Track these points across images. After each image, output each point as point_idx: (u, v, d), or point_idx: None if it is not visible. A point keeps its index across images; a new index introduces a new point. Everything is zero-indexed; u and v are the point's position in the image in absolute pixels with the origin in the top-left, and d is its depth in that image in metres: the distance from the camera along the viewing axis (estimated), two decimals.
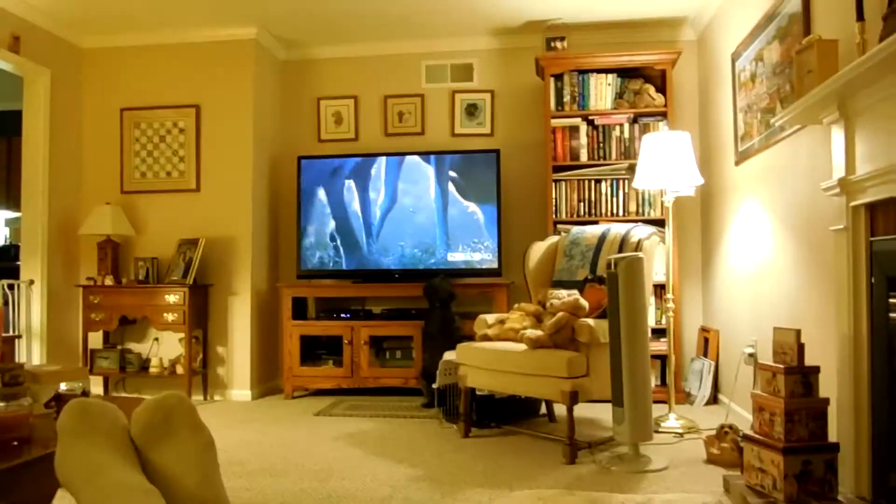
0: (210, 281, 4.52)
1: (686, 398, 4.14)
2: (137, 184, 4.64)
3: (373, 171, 4.58)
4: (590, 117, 4.32)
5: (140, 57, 4.65)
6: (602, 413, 3.78)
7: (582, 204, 4.28)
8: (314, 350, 4.59)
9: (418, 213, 4.52)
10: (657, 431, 3.31)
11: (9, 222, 6.77)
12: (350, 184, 4.60)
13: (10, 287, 4.24)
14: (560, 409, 3.59)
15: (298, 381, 4.44)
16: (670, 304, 3.58)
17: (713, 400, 4.04)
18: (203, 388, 4.46)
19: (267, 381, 4.71)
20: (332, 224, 4.60)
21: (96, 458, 1.36)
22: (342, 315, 4.48)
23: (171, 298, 4.26)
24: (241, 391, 4.47)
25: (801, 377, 2.20)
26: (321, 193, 4.62)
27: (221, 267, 4.52)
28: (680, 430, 3.35)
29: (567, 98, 4.33)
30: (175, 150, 4.61)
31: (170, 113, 4.61)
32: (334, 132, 4.95)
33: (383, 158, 4.58)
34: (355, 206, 4.59)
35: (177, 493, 1.36)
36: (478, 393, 3.51)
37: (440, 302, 4.09)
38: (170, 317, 4.25)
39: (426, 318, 4.16)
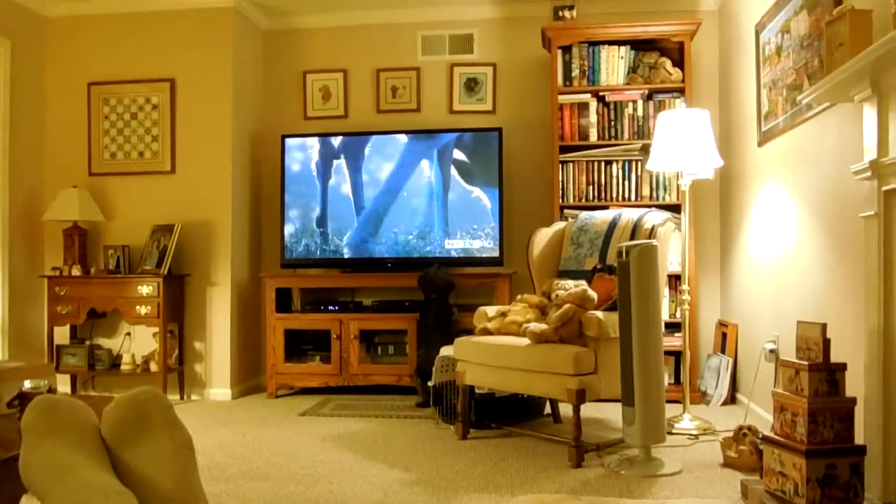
0: (186, 271, 4.52)
1: (702, 397, 4.16)
2: (107, 165, 4.63)
3: (364, 152, 4.58)
4: (600, 93, 4.32)
5: (109, 26, 4.63)
6: (611, 413, 3.80)
7: (591, 187, 4.29)
8: (300, 345, 4.60)
9: (413, 197, 4.52)
10: (670, 433, 3.34)
11: None
12: (339, 165, 4.60)
13: None
14: (566, 409, 3.60)
15: (283, 378, 4.45)
16: (686, 297, 3.59)
17: (731, 399, 4.06)
18: (179, 387, 4.47)
19: (248, 378, 4.73)
20: (319, 209, 4.60)
21: (64, 457, 1.36)
22: (330, 307, 4.49)
23: (145, 290, 4.27)
24: (220, 390, 4.48)
25: (827, 374, 2.21)
26: (307, 176, 4.62)
27: (199, 255, 4.52)
28: (695, 432, 3.37)
29: (576, 72, 4.33)
30: (148, 128, 4.60)
31: (142, 88, 4.59)
32: (322, 109, 4.94)
33: (375, 137, 4.58)
34: (345, 189, 4.58)
35: (152, 496, 1.37)
36: (477, 391, 3.53)
37: (437, 293, 4.10)
38: (143, 310, 4.26)
39: (421, 311, 4.17)
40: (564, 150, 4.31)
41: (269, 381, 4.46)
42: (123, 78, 4.60)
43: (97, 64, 4.64)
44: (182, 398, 4.48)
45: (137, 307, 4.26)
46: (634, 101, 4.29)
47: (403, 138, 4.55)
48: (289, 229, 4.61)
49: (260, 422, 3.80)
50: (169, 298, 4.32)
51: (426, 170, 4.52)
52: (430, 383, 3.69)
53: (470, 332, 3.64)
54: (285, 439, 3.40)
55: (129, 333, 4.59)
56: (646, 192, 4.25)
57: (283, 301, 4.58)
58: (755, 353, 3.63)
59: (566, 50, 4.33)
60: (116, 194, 4.61)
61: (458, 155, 4.50)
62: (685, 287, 3.60)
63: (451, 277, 4.15)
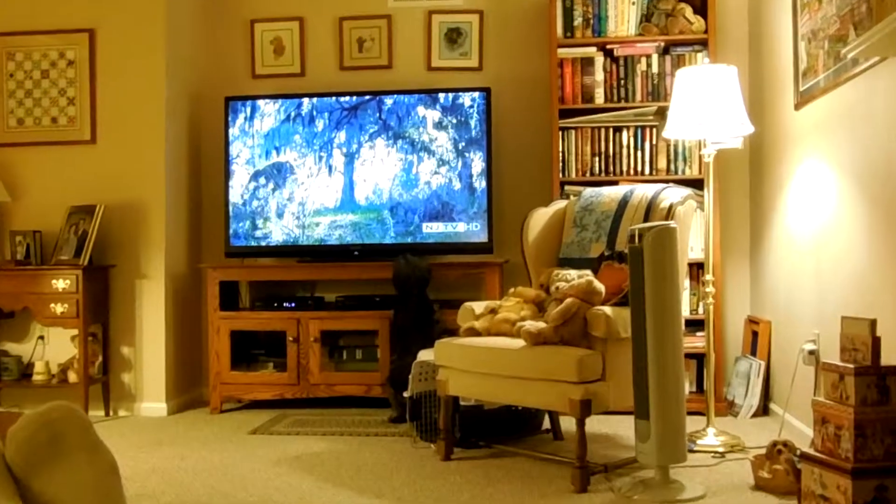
0: (111, 261, 4.48)
1: (729, 408, 4.18)
2: (12, 134, 4.57)
3: (324, 116, 4.55)
4: (608, 46, 4.31)
5: None
6: (621, 427, 3.81)
7: (597, 159, 4.28)
8: (249, 350, 4.58)
9: (384, 171, 4.50)
10: (692, 451, 3.34)
11: None
12: (294, 132, 4.57)
13: None
14: (568, 423, 3.60)
15: (229, 390, 4.44)
16: (710, 289, 3.60)
17: (763, 410, 4.08)
18: (104, 401, 4.44)
19: (187, 390, 4.70)
20: (271, 186, 4.57)
21: None
22: (285, 304, 4.47)
23: (61, 284, 4.22)
24: (153, 404, 4.46)
25: (877, 379, 2.23)
26: (257, 146, 4.59)
27: (126, 242, 4.48)
28: (721, 449, 3.39)
29: (578, 21, 4.31)
30: (62, 89, 4.54)
31: (54, 40, 4.53)
32: (273, 65, 4.90)
33: (338, 99, 4.55)
34: (302, 161, 4.56)
35: None
36: (462, 403, 3.52)
37: (417, 287, 4.10)
38: (58, 308, 4.22)
39: (395, 308, 4.16)
40: (565, 114, 4.30)
41: (212, 394, 4.45)
42: (32, 28, 4.53)
43: None
44: (107, 414, 4.45)
45: (52, 305, 4.22)
46: (648, 56, 4.28)
47: (372, 101, 4.53)
48: (235, 211, 4.58)
49: (202, 442, 3.77)
50: (90, 294, 4.27)
51: (400, 139, 4.50)
52: (406, 394, 3.69)
53: (453, 332, 3.63)
54: (232, 463, 3.38)
55: (42, 337, 4.54)
56: (662, 164, 4.25)
57: (229, 297, 4.55)
58: (792, 356, 3.65)
59: None
60: (24, 169, 4.55)
61: (438, 120, 4.48)
62: (709, 277, 3.61)
63: (428, 267, 4.14)
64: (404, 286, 4.12)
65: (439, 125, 4.49)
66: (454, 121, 4.48)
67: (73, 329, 4.30)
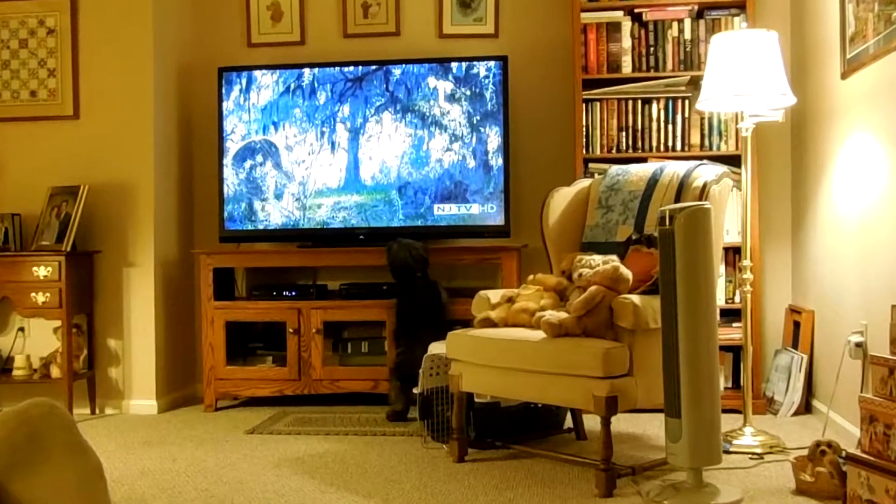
0: (96, 246, 4.50)
1: (768, 405, 4.18)
2: None
3: (326, 89, 4.55)
4: (636, 10, 4.30)
5: None
6: (650, 427, 3.82)
7: (624, 134, 4.27)
8: (246, 343, 4.60)
9: (392, 149, 4.50)
10: (727, 451, 3.35)
11: None
12: (294, 106, 4.57)
13: None
14: (592, 422, 3.61)
15: (224, 386, 4.46)
16: (747, 275, 3.59)
17: (805, 408, 4.08)
18: (89, 398, 4.47)
19: (179, 386, 4.73)
20: (269, 164, 4.58)
21: None
22: (285, 293, 4.49)
23: (42, 272, 4.25)
24: (143, 401, 4.49)
25: None
26: (253, 120, 4.59)
27: (112, 226, 4.50)
28: (759, 450, 3.39)
29: None
30: (42, 59, 4.56)
31: (33, 6, 4.54)
32: (271, 33, 4.89)
33: (341, 70, 4.55)
34: (302, 138, 4.56)
35: None
36: (477, 400, 3.54)
37: (417, 269, 4.11)
38: (40, 298, 4.24)
39: (399, 296, 4.17)
40: (589, 85, 4.29)
41: (206, 390, 4.48)
42: None
43: None
44: (93, 412, 4.48)
45: (33, 295, 4.24)
46: (680, 21, 4.26)
47: (378, 71, 4.52)
48: (230, 192, 4.59)
49: (195, 442, 3.79)
50: (74, 283, 4.29)
51: (409, 113, 4.50)
52: (415, 390, 3.70)
53: (467, 323, 3.63)
54: (228, 465, 3.39)
55: (22, 329, 4.57)
56: (695, 139, 4.23)
57: (224, 285, 4.57)
58: (837, 348, 3.64)
59: None
60: (2, 147, 4.57)
61: (451, 93, 4.47)
62: (746, 263, 3.60)
63: (425, 250, 4.15)
64: (403, 271, 4.13)
65: (452, 97, 4.48)
66: (468, 92, 4.47)
67: (56, 320, 4.32)
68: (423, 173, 4.49)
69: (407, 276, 4.15)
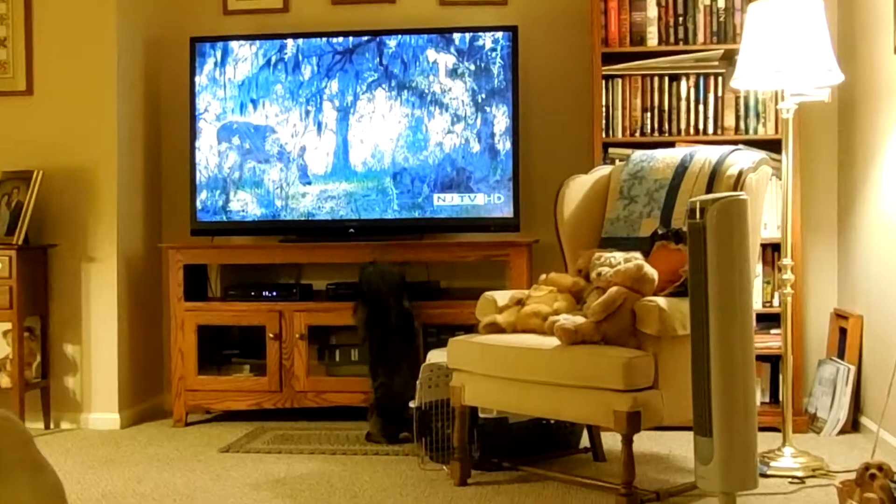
0: (52, 240, 4.50)
1: (810, 423, 4.18)
2: None
3: (312, 63, 4.54)
4: None
5: None
6: (677, 446, 3.81)
7: (649, 115, 4.27)
8: (220, 349, 4.60)
9: (386, 129, 4.50)
10: (764, 475, 3.35)
11: None
12: (276, 82, 4.57)
13: None
14: (612, 441, 3.62)
15: (196, 398, 4.46)
16: (787, 275, 3.59)
17: (852, 426, 4.08)
18: (43, 410, 4.47)
19: (145, 398, 4.73)
20: (247, 147, 4.58)
21: None
22: (265, 293, 4.48)
23: None
24: (103, 414, 4.49)
25: None
26: (230, 98, 4.59)
27: (70, 217, 4.50)
28: (800, 473, 3.39)
29: None
30: None
31: None
32: None
33: (329, 41, 4.54)
34: (284, 118, 4.56)
35: None
36: (481, 415, 3.53)
37: (392, 296, 4.10)
38: None
39: (370, 322, 4.11)
40: (610, 59, 4.28)
41: (175, 402, 4.47)
42: None
43: None
44: (47, 427, 4.48)
45: None
46: None
47: (371, 43, 4.52)
48: (203, 178, 4.59)
49: (163, 461, 3.79)
50: (26, 281, 4.30)
51: (405, 90, 4.49)
52: (412, 404, 3.70)
53: (471, 328, 3.63)
54: (200, 487, 3.39)
55: None
56: (729, 121, 4.23)
57: (196, 284, 4.57)
58: (888, 359, 3.64)
59: None
60: None
61: (453, 67, 4.47)
62: (786, 261, 3.60)
63: (402, 273, 4.17)
64: (377, 297, 4.10)
65: (454, 73, 4.48)
66: (472, 67, 4.47)
67: (6, 323, 4.32)
68: (420, 158, 4.49)
69: (379, 303, 4.11)
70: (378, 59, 4.53)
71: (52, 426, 4.49)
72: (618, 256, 3.20)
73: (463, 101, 4.48)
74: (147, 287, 4.77)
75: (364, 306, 4.14)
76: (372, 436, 4.06)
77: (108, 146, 4.50)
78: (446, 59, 4.49)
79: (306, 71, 4.56)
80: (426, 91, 4.50)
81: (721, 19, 4.25)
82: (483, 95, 4.46)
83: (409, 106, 4.51)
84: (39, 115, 4.53)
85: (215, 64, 4.61)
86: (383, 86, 4.52)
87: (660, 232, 3.35)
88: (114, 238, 4.49)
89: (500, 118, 4.44)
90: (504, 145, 4.43)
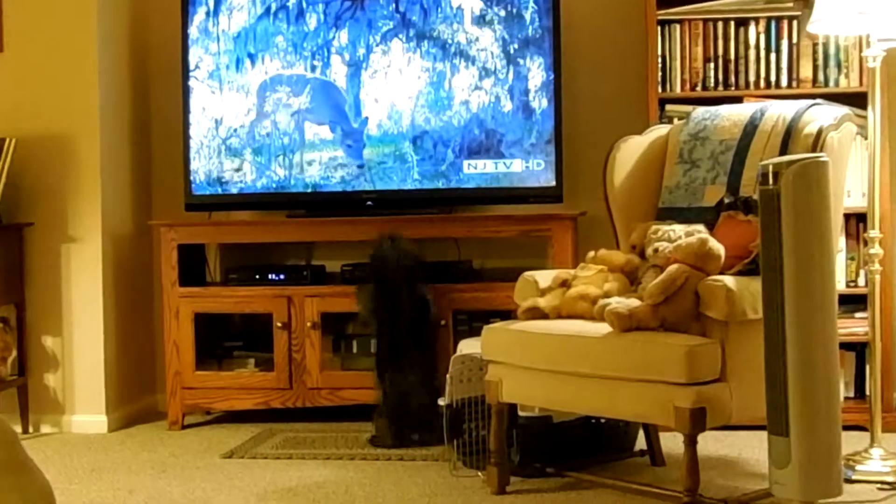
0: (27, 218, 4.52)
1: None
2: None
3: (319, 10, 4.54)
4: None
5: None
6: (748, 448, 3.82)
7: (711, 66, 4.27)
8: (221, 341, 4.63)
9: (404, 86, 4.51)
10: (849, 480, 3.33)
11: None
12: (277, 33, 4.57)
13: None
14: (672, 442, 3.64)
15: (193, 396, 4.48)
16: (875, 250, 3.57)
17: None
18: (21, 412, 4.48)
19: (136, 397, 4.77)
20: (248, 112, 4.60)
21: None
22: (271, 277, 4.49)
23: None
24: (89, 416, 4.52)
25: None
26: (224, 52, 4.60)
27: (47, 191, 4.52)
28: (890, 478, 3.39)
29: None
30: None
31: None
32: None
33: None
34: (291, 74, 4.57)
35: None
36: (521, 414, 3.55)
37: (404, 278, 4.10)
38: None
39: (378, 316, 4.13)
40: (666, 1, 4.26)
41: (170, 402, 4.50)
42: None
43: None
44: (26, 430, 4.49)
45: None
46: None
47: None
48: (197, 145, 4.60)
49: (157, 469, 3.82)
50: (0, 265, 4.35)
51: (426, 41, 4.50)
52: (441, 401, 3.71)
53: (508, 314, 3.65)
54: (200, 498, 3.41)
55: None
56: (806, 72, 4.22)
57: (192, 267, 4.59)
58: None
59: None
60: None
61: (481, 14, 4.47)
62: (874, 234, 3.58)
63: (417, 255, 4.16)
64: (387, 280, 4.10)
65: (482, 20, 4.47)
66: (503, 13, 4.46)
67: None
68: (444, 119, 4.48)
69: (388, 283, 4.11)
70: (394, 4, 4.51)
71: (30, 430, 4.51)
72: (678, 230, 3.20)
73: (492, 52, 4.46)
74: (136, 270, 4.79)
75: (372, 290, 4.15)
76: (377, 438, 4.07)
77: (90, 109, 4.51)
78: (472, 4, 4.46)
79: (311, 20, 4.55)
80: (449, 42, 4.49)
81: None
82: (515, 46, 4.45)
83: (431, 59, 4.50)
84: (11, 76, 4.53)
85: (207, 13, 4.59)
86: (400, 36, 4.51)
87: (726, 201, 3.34)
88: (97, 215, 4.51)
89: (536, 72, 4.43)
90: (541, 103, 4.42)
